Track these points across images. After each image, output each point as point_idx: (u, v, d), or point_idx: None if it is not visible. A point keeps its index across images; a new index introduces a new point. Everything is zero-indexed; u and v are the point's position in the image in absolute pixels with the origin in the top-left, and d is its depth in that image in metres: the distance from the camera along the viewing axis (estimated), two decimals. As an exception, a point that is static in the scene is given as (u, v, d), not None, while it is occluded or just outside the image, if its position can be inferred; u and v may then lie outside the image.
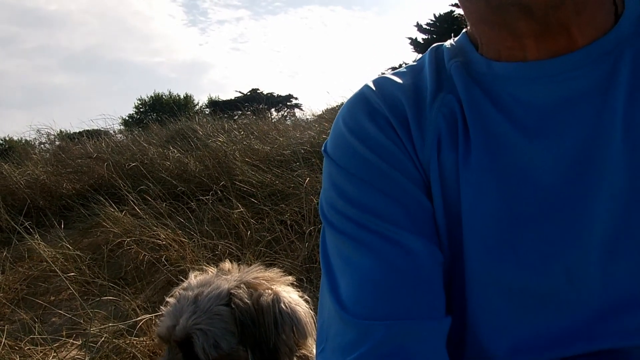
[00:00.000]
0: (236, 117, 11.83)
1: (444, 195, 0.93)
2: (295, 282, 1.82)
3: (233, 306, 1.60)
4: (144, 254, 4.88)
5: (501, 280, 0.88)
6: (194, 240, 4.85)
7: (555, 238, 0.84)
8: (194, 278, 1.78)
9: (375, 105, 0.99)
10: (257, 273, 1.76)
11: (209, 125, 10.22)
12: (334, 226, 0.96)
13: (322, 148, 1.06)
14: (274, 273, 1.79)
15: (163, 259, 4.62)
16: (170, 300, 1.75)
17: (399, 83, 1.02)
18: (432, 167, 0.93)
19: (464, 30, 1.04)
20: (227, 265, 1.85)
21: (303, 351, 1.71)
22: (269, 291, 1.68)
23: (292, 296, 1.72)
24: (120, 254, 5.21)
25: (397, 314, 0.85)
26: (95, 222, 6.03)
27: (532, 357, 0.89)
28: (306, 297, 1.80)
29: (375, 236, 0.91)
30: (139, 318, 3.61)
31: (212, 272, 1.84)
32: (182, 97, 35.82)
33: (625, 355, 0.85)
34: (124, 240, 5.17)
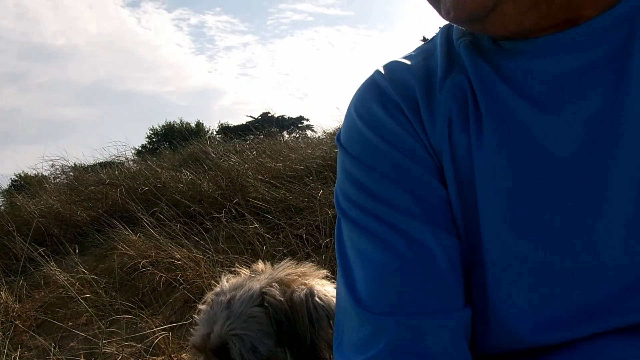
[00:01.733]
0: (248, 141, 11.86)
1: (458, 179, 0.91)
2: (329, 275, 1.75)
3: (267, 305, 1.54)
4: (160, 275, 4.85)
5: (523, 259, 0.85)
6: (209, 257, 4.81)
7: (576, 212, 0.81)
8: (227, 282, 1.71)
9: (386, 91, 0.98)
10: (289, 269, 1.69)
11: (221, 147, 10.25)
12: (349, 217, 0.96)
13: (336, 138, 1.04)
14: (306, 268, 1.73)
15: (179, 279, 4.58)
16: (203, 307, 1.69)
17: (409, 66, 1.01)
18: (444, 150, 0.91)
19: None
20: (260, 265, 1.79)
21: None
22: (302, 286, 1.62)
23: (327, 289, 1.65)
24: (136, 277, 5.17)
25: (412, 310, 0.85)
26: (111, 247, 6.01)
27: (558, 334, 0.86)
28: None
29: (389, 229, 0.90)
30: (155, 335, 3.57)
31: (245, 274, 1.77)
32: (193, 124, 36.16)
33: None
34: (140, 262, 5.14)
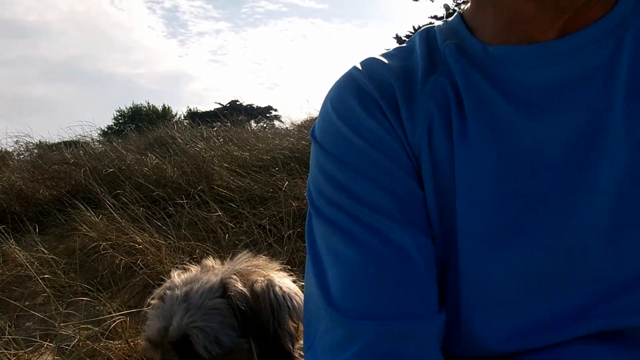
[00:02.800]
0: (215, 128, 11.79)
1: (436, 182, 0.90)
2: (287, 267, 1.77)
3: (229, 296, 1.53)
4: (120, 258, 4.83)
5: (498, 264, 0.85)
6: (170, 243, 4.80)
7: (557, 218, 0.82)
8: (178, 277, 1.68)
9: (364, 88, 0.96)
10: (246, 262, 1.69)
11: (188, 132, 10.19)
12: (322, 214, 0.94)
13: (310, 132, 1.03)
14: (262, 260, 1.73)
15: (140, 263, 4.56)
16: (154, 302, 1.66)
17: (388, 65, 0.99)
18: (423, 152, 0.90)
19: (457, 12, 1.02)
20: (209, 262, 1.77)
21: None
22: (262, 278, 1.62)
23: (285, 281, 1.66)
24: (96, 259, 5.14)
25: (388, 314, 0.83)
26: (72, 227, 5.97)
27: (528, 344, 0.86)
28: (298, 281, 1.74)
29: (364, 228, 0.88)
30: (113, 319, 3.56)
31: (194, 269, 1.75)
32: (160, 108, 35.90)
33: (629, 336, 0.83)
34: (100, 245, 5.12)
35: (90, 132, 11.30)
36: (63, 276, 4.72)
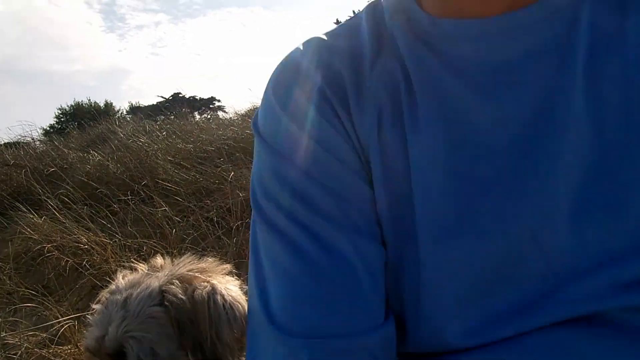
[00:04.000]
0: (159, 122, 11.66)
1: (386, 178, 0.84)
2: (234, 271, 1.66)
3: (167, 304, 1.42)
4: (66, 260, 4.73)
5: (453, 256, 0.80)
6: (116, 241, 4.73)
7: (517, 202, 0.77)
8: (122, 279, 1.56)
9: (309, 75, 0.89)
10: (190, 265, 1.57)
11: (130, 127, 10.04)
12: (264, 214, 0.87)
13: (252, 122, 0.95)
14: (209, 263, 1.62)
15: (86, 264, 4.48)
16: (97, 306, 1.53)
17: (334, 46, 0.91)
18: (372, 145, 0.84)
19: None
20: (158, 260, 1.64)
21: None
22: (204, 284, 1.51)
23: (229, 287, 1.55)
24: (41, 261, 5.03)
25: (329, 331, 0.79)
26: (14, 231, 5.81)
27: (493, 335, 0.82)
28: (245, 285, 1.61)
29: (307, 235, 0.82)
30: (60, 324, 3.50)
31: (142, 270, 1.63)
32: (102, 104, 35.43)
33: (608, 320, 0.79)
34: (45, 247, 5.00)
35: (30, 132, 11.04)
36: (8, 282, 4.61)
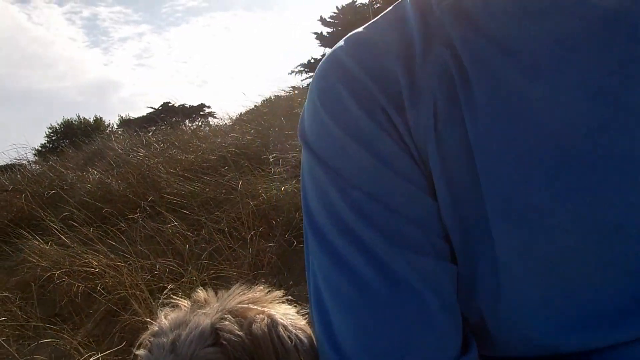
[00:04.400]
0: (151, 132, 11.63)
1: (446, 171, 0.75)
2: (290, 297, 1.54)
3: (223, 343, 1.23)
4: (78, 285, 4.60)
5: (540, 252, 0.71)
6: (131, 263, 4.58)
7: (599, 190, 0.68)
8: (165, 318, 1.42)
9: (355, 75, 0.79)
10: (240, 296, 1.37)
11: (127, 141, 9.93)
12: (321, 237, 0.80)
13: (299, 131, 0.86)
14: (259, 292, 1.46)
15: (99, 288, 4.35)
16: (140, 352, 1.42)
17: (382, 41, 0.81)
18: (429, 143, 0.75)
19: None
20: (201, 294, 1.50)
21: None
22: (261, 315, 1.31)
23: (289, 317, 1.35)
24: (52, 289, 4.89)
25: None
26: (21, 259, 5.69)
27: (587, 335, 0.73)
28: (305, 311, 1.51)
29: (366, 259, 0.75)
30: (82, 358, 3.37)
31: (184, 305, 1.52)
32: (92, 120, 35.63)
33: None
34: (54, 274, 4.86)
35: (25, 154, 10.94)
36: (20, 312, 4.48)
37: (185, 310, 1.43)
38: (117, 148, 9.10)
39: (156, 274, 4.41)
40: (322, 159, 0.80)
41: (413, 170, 0.77)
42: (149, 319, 3.80)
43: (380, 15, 0.88)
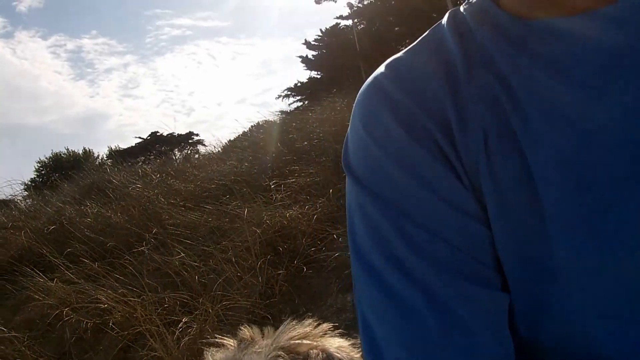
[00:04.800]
0: (140, 163, 11.60)
1: (502, 200, 0.72)
2: (342, 331, 1.51)
3: None
4: (86, 322, 4.54)
5: (605, 269, 0.67)
6: (144, 298, 4.52)
7: None
8: (212, 358, 1.36)
9: (400, 102, 0.76)
10: (290, 332, 1.38)
11: (123, 173, 9.88)
12: (373, 271, 0.76)
13: (343, 160, 0.83)
14: (307, 326, 1.41)
15: (112, 325, 4.29)
16: None
17: (423, 66, 0.79)
18: (481, 173, 0.72)
19: None
20: (247, 332, 1.42)
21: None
22: (315, 351, 1.32)
23: (344, 350, 1.36)
24: (60, 327, 4.82)
25: None
26: (26, 297, 5.61)
27: None
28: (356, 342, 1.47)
29: (418, 292, 0.72)
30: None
31: (231, 345, 1.43)
32: (80, 152, 35.57)
33: None
34: (62, 310, 4.80)
35: (21, 191, 10.90)
36: (28, 352, 4.41)
37: (232, 349, 1.42)
38: (114, 180, 9.05)
39: (167, 307, 4.36)
40: (371, 188, 0.78)
41: (468, 200, 0.74)
42: (165, 354, 3.78)
43: (417, 40, 0.86)
